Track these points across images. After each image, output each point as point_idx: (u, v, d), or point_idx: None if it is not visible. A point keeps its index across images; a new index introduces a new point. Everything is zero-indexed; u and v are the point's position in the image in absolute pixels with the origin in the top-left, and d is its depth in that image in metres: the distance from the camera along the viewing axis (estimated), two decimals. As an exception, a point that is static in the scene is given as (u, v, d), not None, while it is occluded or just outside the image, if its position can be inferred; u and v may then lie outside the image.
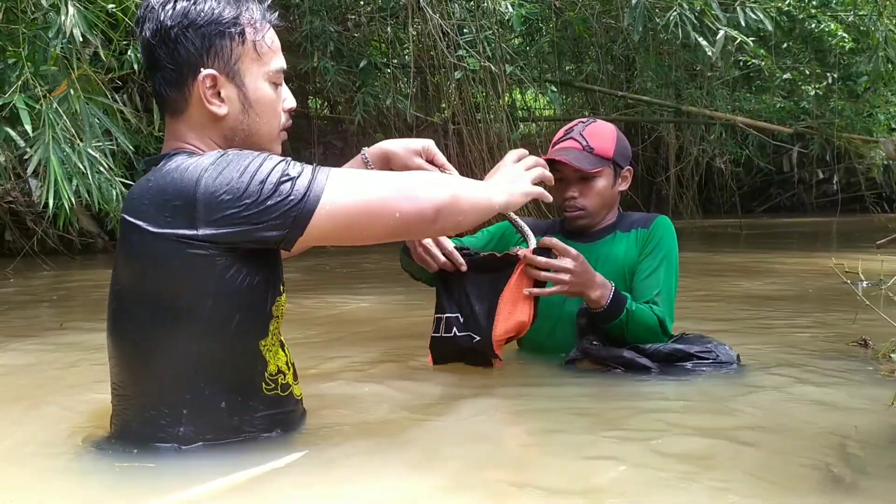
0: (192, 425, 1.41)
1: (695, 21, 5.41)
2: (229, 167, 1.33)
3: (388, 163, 1.81)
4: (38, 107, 2.76)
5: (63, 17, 2.73)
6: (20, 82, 2.78)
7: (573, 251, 1.99)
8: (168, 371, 1.40)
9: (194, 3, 1.39)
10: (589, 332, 2.15)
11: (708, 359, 2.11)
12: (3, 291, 4.68)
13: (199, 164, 1.35)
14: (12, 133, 3.04)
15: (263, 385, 1.47)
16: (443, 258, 2.03)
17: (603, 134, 2.23)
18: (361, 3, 6.51)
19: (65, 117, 2.83)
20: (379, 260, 5.83)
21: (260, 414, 1.47)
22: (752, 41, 5.69)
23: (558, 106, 6.91)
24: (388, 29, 6.25)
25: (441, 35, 5.50)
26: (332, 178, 1.39)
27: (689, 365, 2.10)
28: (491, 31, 5.60)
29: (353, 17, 6.57)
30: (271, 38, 1.48)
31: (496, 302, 1.95)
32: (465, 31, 5.65)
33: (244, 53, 1.43)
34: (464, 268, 2.02)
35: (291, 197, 1.33)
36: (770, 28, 5.35)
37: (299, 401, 1.60)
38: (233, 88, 1.43)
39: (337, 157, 8.29)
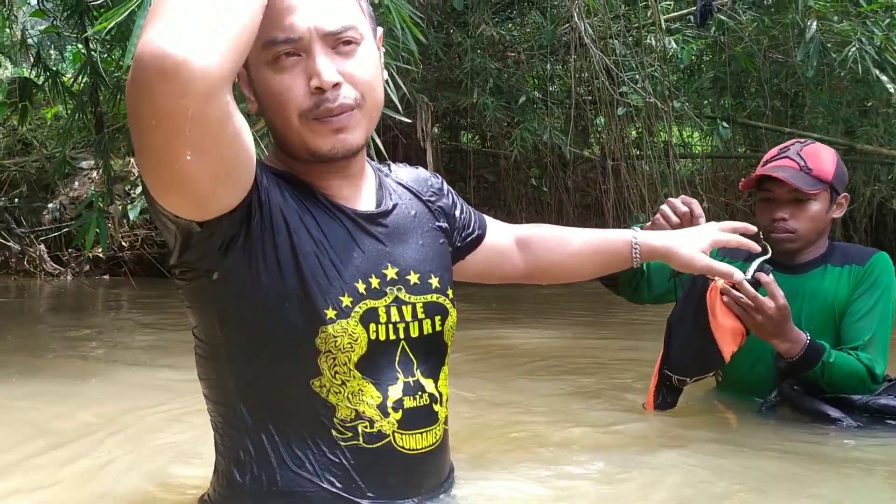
0: (252, 475, 1.20)
1: (875, 56, 5.16)
2: None
3: (663, 259, 1.59)
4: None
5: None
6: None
7: (781, 300, 1.90)
8: (215, 415, 1.26)
9: None
10: (788, 375, 2.06)
11: (926, 416, 1.98)
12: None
13: None
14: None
15: (334, 432, 1.19)
16: (683, 208, 1.88)
17: (822, 156, 2.12)
18: (522, 40, 6.62)
19: (265, 150, 3.06)
20: (550, 293, 5.82)
21: (335, 467, 1.19)
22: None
23: (720, 142, 6.72)
24: (548, 65, 6.32)
25: (603, 71, 5.51)
26: None
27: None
28: (653, 68, 5.55)
29: (513, 54, 6.69)
30: (275, 8, 1.12)
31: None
32: (627, 67, 5.63)
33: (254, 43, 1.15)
34: (701, 219, 1.85)
35: None
36: (962, 61, 5.00)
37: (413, 457, 1.24)
38: (248, 84, 1.21)
39: (488, 190, 8.42)
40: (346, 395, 1.18)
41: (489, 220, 1.62)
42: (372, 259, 1.24)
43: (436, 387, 1.29)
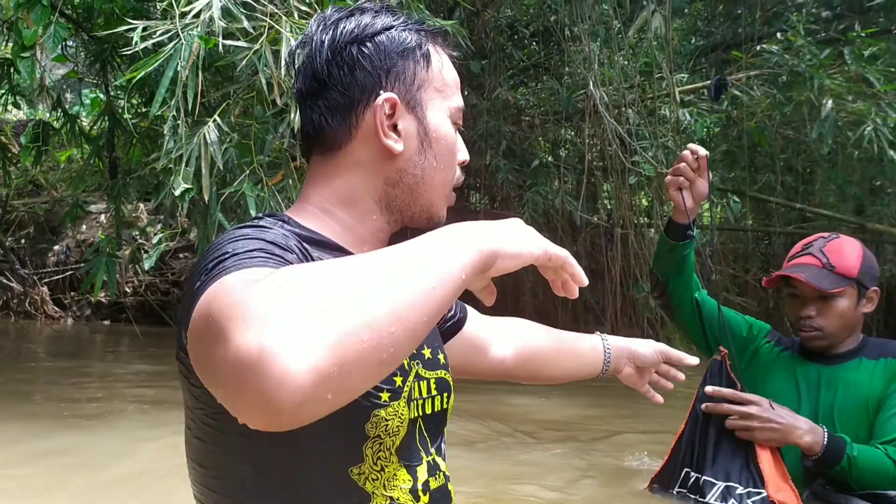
0: None
1: (889, 136, 5.21)
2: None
3: (628, 355, 1.60)
4: (261, 194, 2.97)
5: (293, 115, 2.96)
6: (248, 171, 3.01)
7: (755, 398, 1.91)
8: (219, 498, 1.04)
9: (374, 18, 1.13)
10: (818, 475, 1.98)
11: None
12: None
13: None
14: (223, 219, 3.29)
15: None
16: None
17: (846, 251, 2.07)
18: (536, 104, 6.69)
19: (282, 204, 3.03)
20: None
21: None
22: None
23: (731, 216, 6.73)
24: (562, 131, 6.37)
25: (616, 139, 5.54)
26: None
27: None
28: (666, 138, 5.58)
29: (527, 118, 6.75)
30: (454, 74, 1.17)
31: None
32: (639, 136, 5.66)
33: (428, 81, 1.12)
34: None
35: None
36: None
37: None
38: (412, 120, 1.11)
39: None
40: (382, 481, 1.06)
41: (471, 309, 1.48)
42: None
43: (445, 465, 1.19)
